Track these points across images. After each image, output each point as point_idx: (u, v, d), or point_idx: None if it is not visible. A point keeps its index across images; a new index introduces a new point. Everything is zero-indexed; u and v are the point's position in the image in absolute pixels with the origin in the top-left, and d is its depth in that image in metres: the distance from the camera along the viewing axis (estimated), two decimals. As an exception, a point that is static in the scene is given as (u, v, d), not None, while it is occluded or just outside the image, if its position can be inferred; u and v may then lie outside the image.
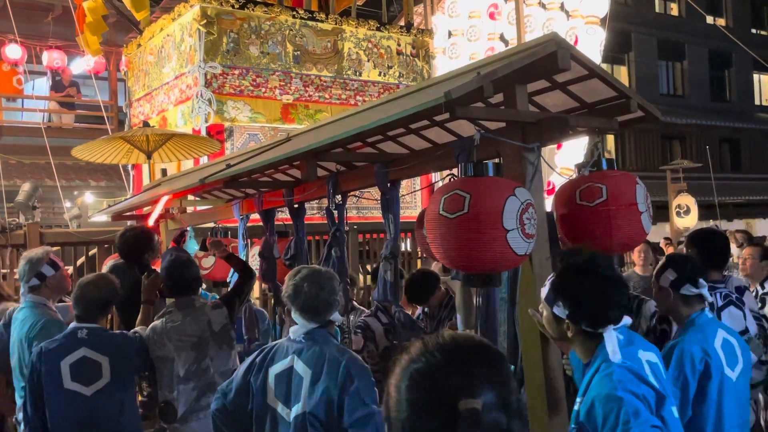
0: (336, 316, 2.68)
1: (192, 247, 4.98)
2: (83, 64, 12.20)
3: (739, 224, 17.82)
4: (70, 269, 6.85)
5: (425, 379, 1.09)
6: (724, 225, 14.83)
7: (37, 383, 3.29)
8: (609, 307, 2.03)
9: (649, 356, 2.07)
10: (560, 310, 2.06)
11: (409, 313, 4.38)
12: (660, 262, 2.81)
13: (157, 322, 3.56)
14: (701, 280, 2.69)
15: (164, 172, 7.94)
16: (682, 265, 2.73)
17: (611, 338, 2.00)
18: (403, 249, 8.39)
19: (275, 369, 2.61)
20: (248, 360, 2.77)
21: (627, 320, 2.09)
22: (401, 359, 1.14)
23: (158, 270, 3.88)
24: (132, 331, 3.62)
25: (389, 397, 1.13)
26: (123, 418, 3.35)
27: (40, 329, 3.61)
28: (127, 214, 6.17)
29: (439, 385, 1.08)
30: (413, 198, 8.48)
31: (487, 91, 2.37)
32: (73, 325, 3.41)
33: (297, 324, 2.64)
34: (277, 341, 2.76)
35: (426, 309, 4.36)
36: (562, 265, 2.10)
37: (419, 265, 7.68)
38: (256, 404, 2.64)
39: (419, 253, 7.76)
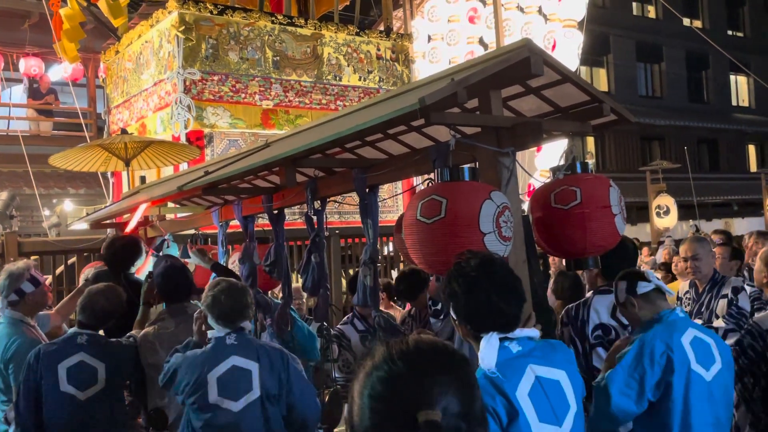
0: (246, 324, 3.10)
1: (173, 252, 4.96)
2: (61, 71, 12.10)
3: (718, 224, 18.05)
4: (48, 278, 6.80)
5: (386, 389, 1.09)
6: (703, 225, 14.99)
7: (34, 384, 3.30)
8: (488, 314, 1.97)
9: (546, 372, 1.99)
10: (451, 311, 2.04)
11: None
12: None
13: (149, 329, 3.59)
14: (650, 273, 2.76)
15: (143, 179, 7.89)
16: (624, 277, 2.81)
17: (487, 344, 1.94)
18: (385, 253, 8.40)
19: (216, 372, 2.94)
20: (186, 385, 2.97)
21: (530, 332, 2.03)
22: (365, 365, 1.13)
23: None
24: (127, 335, 3.63)
25: (353, 402, 1.12)
26: (112, 425, 3.38)
27: (14, 351, 3.61)
28: (107, 222, 6.13)
29: (399, 395, 1.07)
30: (395, 202, 8.50)
31: (461, 97, 2.39)
32: (72, 330, 3.45)
33: (222, 330, 3.01)
34: (197, 350, 3.06)
35: (412, 310, 4.37)
36: (453, 266, 2.04)
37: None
38: (199, 408, 2.95)
39: (401, 257, 7.77)
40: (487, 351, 1.94)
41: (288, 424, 3.04)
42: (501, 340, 1.97)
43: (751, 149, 27.14)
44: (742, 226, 18.39)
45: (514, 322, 2.00)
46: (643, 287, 2.73)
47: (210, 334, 3.04)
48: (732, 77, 26.61)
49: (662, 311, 2.71)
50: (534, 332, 2.04)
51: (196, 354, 3.02)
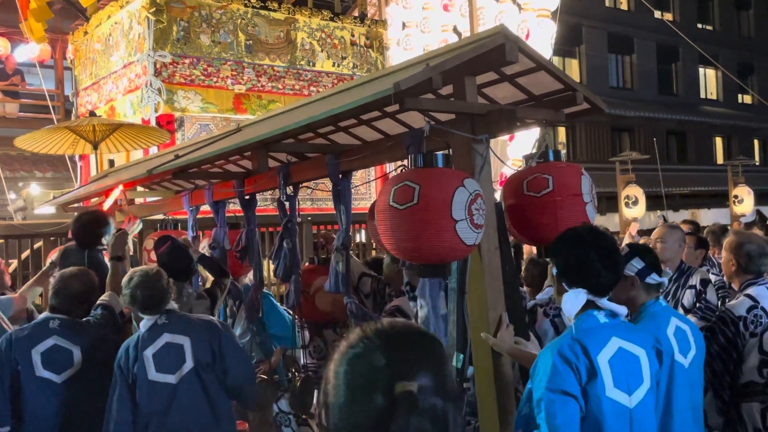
0: (172, 304, 3.26)
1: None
2: (28, 52, 11.79)
3: (685, 214, 18.32)
4: (14, 263, 6.67)
5: (363, 364, 1.10)
6: (670, 215, 15.24)
7: (9, 371, 3.23)
8: (583, 270, 2.19)
9: (628, 346, 2.18)
10: (554, 267, 2.27)
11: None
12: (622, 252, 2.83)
13: None
14: (667, 269, 2.77)
15: (111, 162, 7.77)
16: (646, 255, 2.76)
17: (573, 295, 2.16)
18: (358, 240, 8.39)
19: (151, 350, 3.14)
20: (125, 362, 3.14)
21: (619, 308, 2.21)
22: (341, 345, 1.14)
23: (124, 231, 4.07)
24: (98, 302, 3.55)
25: (327, 383, 1.13)
26: (90, 406, 3.31)
27: None
28: (74, 205, 6.02)
29: (375, 369, 1.08)
30: (368, 189, 8.49)
31: (436, 83, 2.38)
32: (45, 314, 3.39)
33: (152, 317, 3.17)
34: (129, 339, 3.23)
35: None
36: (565, 230, 2.30)
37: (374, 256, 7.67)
38: (139, 387, 3.13)
39: (373, 244, 7.76)
40: (572, 300, 2.16)
41: (226, 388, 3.26)
42: (590, 305, 2.18)
43: (718, 141, 27.58)
44: (708, 217, 18.71)
45: (605, 289, 2.21)
46: (652, 279, 2.69)
47: (147, 323, 3.19)
48: (701, 70, 26.96)
49: (647, 302, 2.68)
50: (623, 309, 2.24)
51: (133, 338, 3.20)
